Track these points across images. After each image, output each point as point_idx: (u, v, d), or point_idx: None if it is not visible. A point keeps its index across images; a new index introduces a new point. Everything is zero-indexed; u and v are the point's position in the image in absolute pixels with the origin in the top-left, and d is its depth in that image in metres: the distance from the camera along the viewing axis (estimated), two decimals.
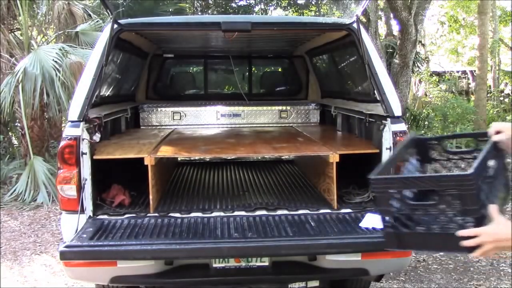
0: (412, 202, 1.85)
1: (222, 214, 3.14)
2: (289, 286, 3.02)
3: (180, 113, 5.35)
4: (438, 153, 2.35)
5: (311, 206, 3.24)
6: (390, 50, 12.11)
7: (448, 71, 19.51)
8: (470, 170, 1.72)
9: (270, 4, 15.74)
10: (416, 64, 13.42)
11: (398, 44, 9.75)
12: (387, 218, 1.90)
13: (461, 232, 1.61)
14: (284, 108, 5.46)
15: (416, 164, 2.27)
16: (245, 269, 2.89)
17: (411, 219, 1.84)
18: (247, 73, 5.86)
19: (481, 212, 1.61)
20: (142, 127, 5.23)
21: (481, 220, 1.62)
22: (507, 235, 1.53)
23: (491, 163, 1.87)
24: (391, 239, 1.93)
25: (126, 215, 3.06)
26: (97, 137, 3.16)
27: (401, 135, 3.05)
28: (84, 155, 2.97)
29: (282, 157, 5.44)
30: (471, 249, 1.61)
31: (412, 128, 11.05)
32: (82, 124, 3.00)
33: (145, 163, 3.08)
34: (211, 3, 14.87)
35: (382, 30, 14.79)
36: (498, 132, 1.91)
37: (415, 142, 2.31)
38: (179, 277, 2.89)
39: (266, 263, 2.90)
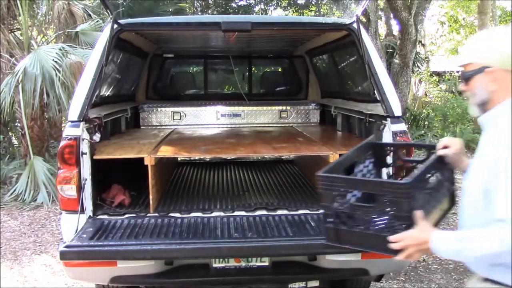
0: (353, 202, 1.99)
1: (222, 214, 3.14)
2: (289, 286, 3.02)
3: (180, 113, 5.35)
4: (394, 159, 2.50)
5: (311, 206, 3.24)
6: (390, 50, 12.12)
7: (448, 71, 19.51)
8: (407, 180, 1.87)
9: (270, 4, 15.75)
10: (416, 64, 13.42)
11: (398, 44, 9.76)
12: (329, 213, 2.03)
13: (389, 237, 1.75)
14: (284, 108, 5.47)
15: (370, 166, 2.40)
16: (245, 269, 2.89)
17: (352, 218, 1.95)
18: (247, 73, 5.86)
19: (412, 219, 1.75)
20: (142, 127, 5.23)
21: (411, 226, 1.75)
22: (426, 238, 1.67)
23: (438, 175, 2.01)
24: (331, 234, 2.05)
25: (126, 215, 3.06)
26: (97, 137, 3.16)
27: (401, 135, 3.05)
28: (84, 155, 2.97)
29: (282, 157, 5.44)
30: (397, 251, 1.75)
31: (412, 128, 11.06)
32: (82, 124, 3.00)
33: (145, 163, 3.08)
34: (211, 3, 14.87)
35: (382, 30, 14.79)
36: (445, 147, 2.03)
37: (372, 146, 2.44)
38: (179, 277, 2.89)
39: (266, 263, 2.90)
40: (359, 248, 2.00)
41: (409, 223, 1.76)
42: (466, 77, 1.75)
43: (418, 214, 1.74)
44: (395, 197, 1.81)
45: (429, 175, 1.98)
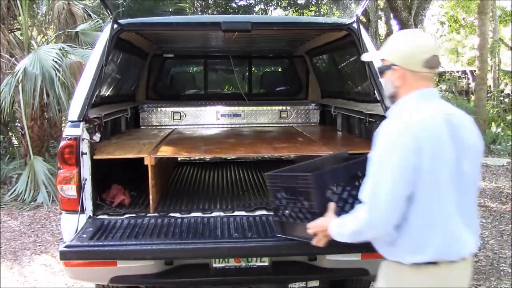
0: (286, 196, 2.22)
1: (222, 214, 3.14)
2: (289, 286, 3.02)
3: (180, 113, 5.35)
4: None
5: None
6: None
7: (448, 71, 19.51)
8: (313, 173, 2.12)
9: (270, 4, 15.74)
10: None
11: None
12: (275, 208, 2.29)
13: (307, 225, 2.07)
14: (284, 108, 5.46)
15: None
16: (245, 269, 2.89)
17: (293, 210, 2.20)
18: (247, 73, 5.86)
19: (323, 208, 2.02)
20: (142, 127, 5.23)
21: (322, 214, 2.02)
22: (327, 226, 1.96)
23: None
24: (277, 226, 2.31)
25: (126, 215, 3.06)
26: (97, 137, 3.16)
27: None
28: (84, 155, 2.97)
29: (282, 157, 5.44)
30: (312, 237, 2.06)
31: None
32: (82, 124, 3.00)
33: (145, 163, 3.07)
34: (211, 3, 14.86)
35: (382, 30, 14.81)
36: None
37: (343, 158, 2.67)
38: (179, 277, 2.89)
39: (266, 263, 2.90)
40: (300, 239, 2.19)
41: (320, 212, 1.99)
42: (380, 71, 1.98)
43: (331, 205, 2.02)
44: (305, 188, 2.05)
45: (353, 174, 2.20)
